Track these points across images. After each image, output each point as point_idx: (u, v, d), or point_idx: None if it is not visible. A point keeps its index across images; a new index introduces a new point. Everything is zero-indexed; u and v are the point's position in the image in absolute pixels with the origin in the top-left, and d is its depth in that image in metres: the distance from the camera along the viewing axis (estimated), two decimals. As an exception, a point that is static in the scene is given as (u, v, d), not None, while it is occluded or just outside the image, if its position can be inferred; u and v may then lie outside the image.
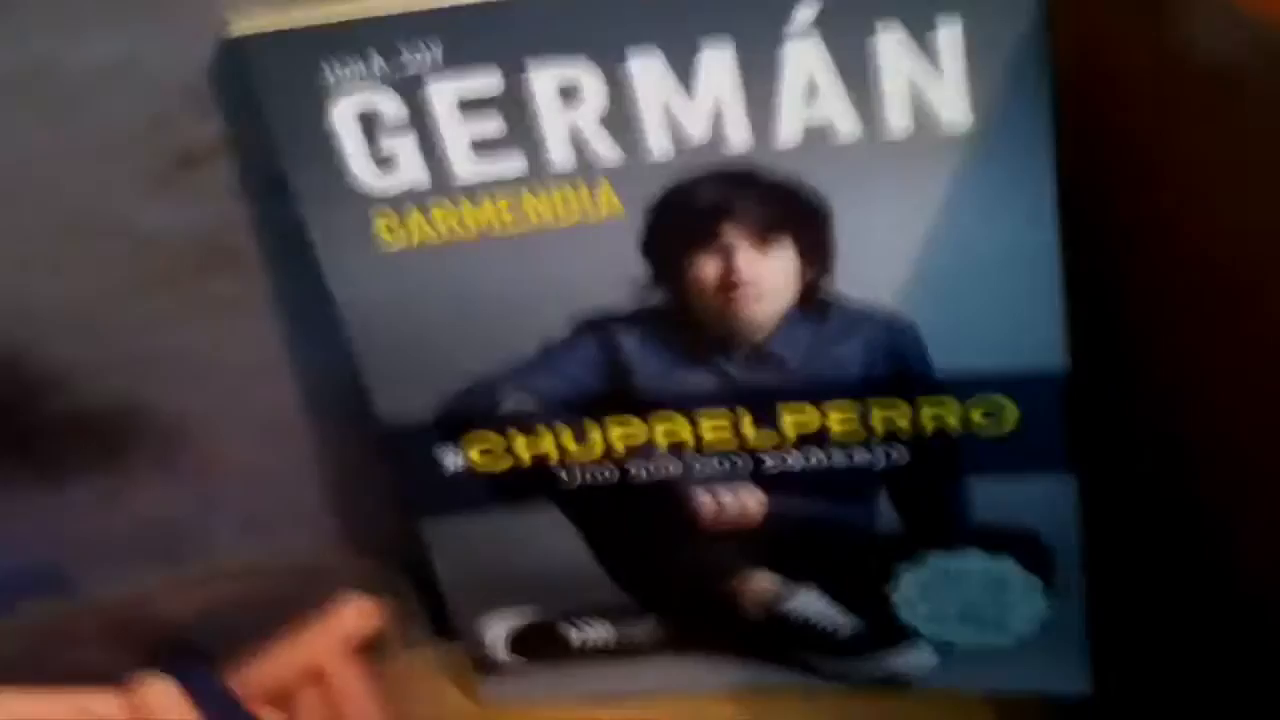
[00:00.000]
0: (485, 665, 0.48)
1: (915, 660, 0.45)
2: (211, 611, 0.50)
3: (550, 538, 0.45)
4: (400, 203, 0.38)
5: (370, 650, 0.48)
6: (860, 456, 0.41)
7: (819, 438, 0.41)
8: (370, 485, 0.47)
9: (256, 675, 0.49)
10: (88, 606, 0.49)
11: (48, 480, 0.47)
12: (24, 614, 0.49)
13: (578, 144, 0.36)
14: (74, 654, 0.50)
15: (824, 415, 0.40)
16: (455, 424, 0.42)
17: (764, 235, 0.37)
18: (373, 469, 0.46)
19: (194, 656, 0.49)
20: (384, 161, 0.37)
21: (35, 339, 0.42)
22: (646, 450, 0.42)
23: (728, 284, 0.38)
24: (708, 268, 0.38)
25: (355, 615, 0.48)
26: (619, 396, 0.41)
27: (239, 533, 0.50)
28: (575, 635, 0.47)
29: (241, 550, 0.49)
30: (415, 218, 0.38)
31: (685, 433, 0.41)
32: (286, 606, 0.49)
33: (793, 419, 0.40)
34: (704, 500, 0.43)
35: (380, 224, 0.38)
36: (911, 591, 0.43)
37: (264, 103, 0.37)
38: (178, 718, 0.48)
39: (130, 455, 0.46)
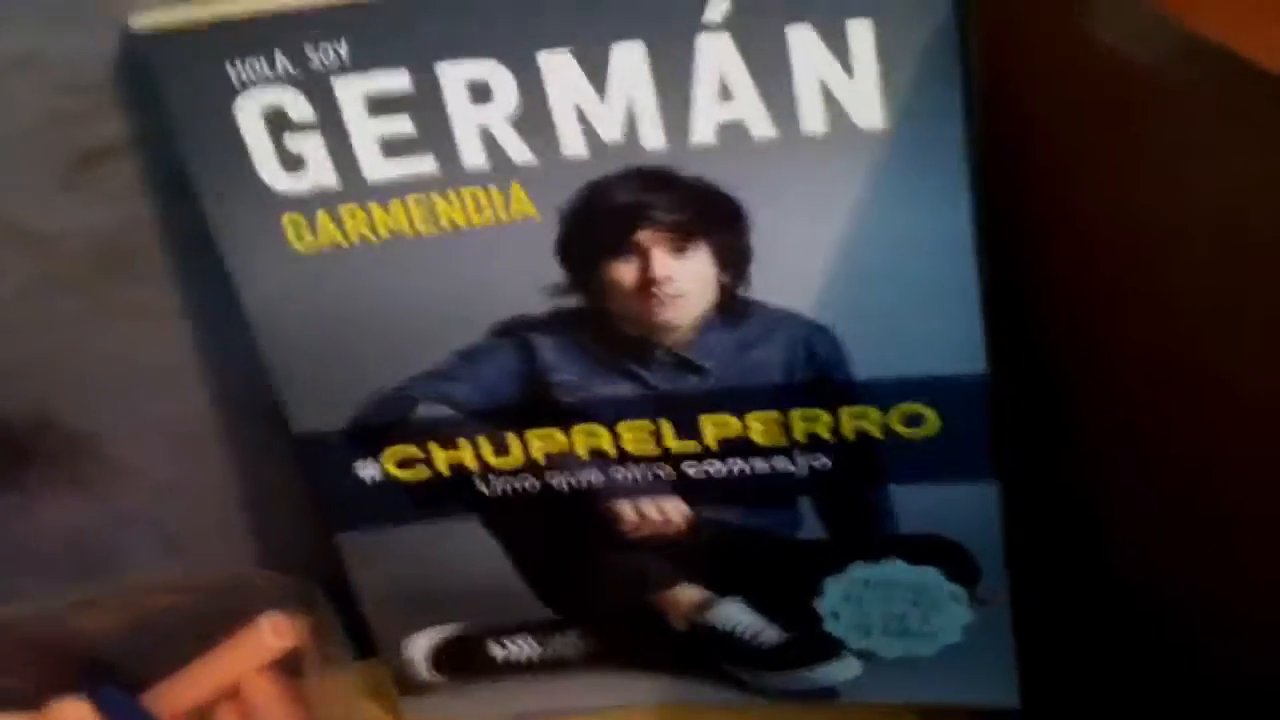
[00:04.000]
0: (407, 683, 0.47)
1: (841, 672, 0.44)
2: (126, 630, 0.48)
3: (471, 550, 0.44)
4: (308, 204, 0.37)
5: (289, 668, 0.47)
6: (782, 464, 0.40)
7: (740, 445, 0.40)
8: (287, 499, 0.46)
9: (174, 694, 0.48)
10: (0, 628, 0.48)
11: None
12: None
13: (489, 144, 0.36)
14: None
15: (744, 422, 0.39)
16: (370, 434, 0.41)
17: (680, 237, 0.36)
18: (289, 482, 0.45)
19: (109, 676, 0.48)
20: (291, 162, 0.36)
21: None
22: (566, 459, 0.41)
23: (644, 286, 0.37)
24: (624, 270, 0.37)
25: (273, 632, 0.47)
26: (537, 404, 0.40)
27: (153, 549, 0.48)
28: (499, 651, 0.46)
29: (156, 567, 0.48)
30: (324, 220, 0.37)
31: (605, 441, 0.41)
32: (203, 624, 0.48)
33: (713, 426, 0.40)
34: (625, 510, 0.42)
35: (288, 226, 0.37)
36: (836, 602, 0.43)
37: (167, 101, 0.36)
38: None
39: (35, 467, 0.45)
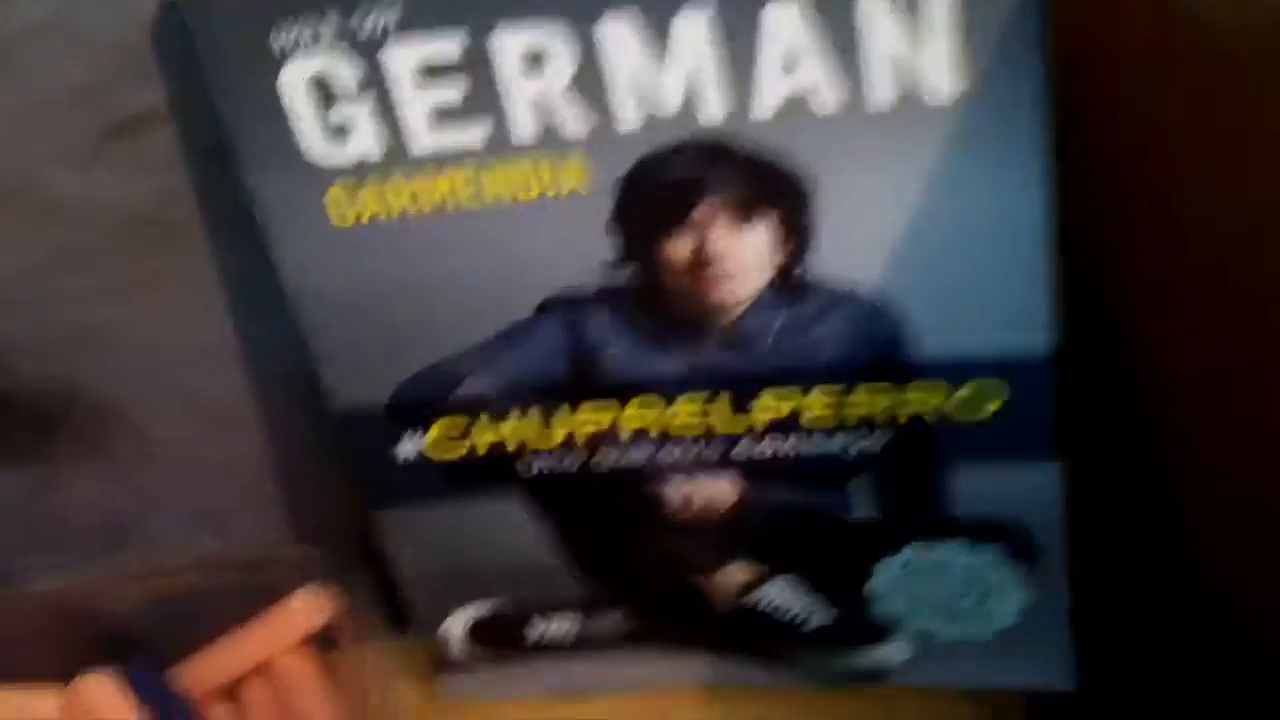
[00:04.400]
0: (444, 660, 0.46)
1: (891, 655, 0.43)
2: (155, 606, 0.47)
3: (511, 529, 0.43)
4: (354, 175, 0.36)
5: (323, 645, 0.46)
6: (836, 443, 0.39)
7: (793, 424, 0.39)
8: (322, 474, 0.45)
9: (204, 672, 0.47)
10: (24, 601, 0.47)
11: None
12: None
13: (543, 113, 0.34)
14: (10, 651, 0.47)
15: (799, 400, 0.38)
16: (411, 411, 0.40)
17: (739, 211, 0.35)
18: (325, 457, 0.44)
19: (137, 653, 0.47)
20: (337, 131, 0.35)
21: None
22: (612, 437, 0.40)
23: (700, 262, 0.36)
24: (679, 245, 0.36)
25: (306, 609, 0.46)
26: (583, 381, 0.39)
27: (184, 524, 0.47)
28: (538, 629, 0.45)
29: (186, 542, 0.47)
30: (370, 191, 0.36)
31: (653, 420, 0.39)
32: (234, 601, 0.47)
33: (766, 404, 0.38)
34: (671, 492, 0.41)
35: (331, 198, 0.36)
36: (889, 583, 0.42)
37: (208, 67, 0.35)
38: (119, 716, 0.45)
39: (64, 441, 0.44)
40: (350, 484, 0.43)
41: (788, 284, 0.36)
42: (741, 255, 0.36)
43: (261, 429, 0.45)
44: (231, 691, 0.47)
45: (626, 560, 0.43)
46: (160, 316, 0.41)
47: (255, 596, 0.47)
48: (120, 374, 0.43)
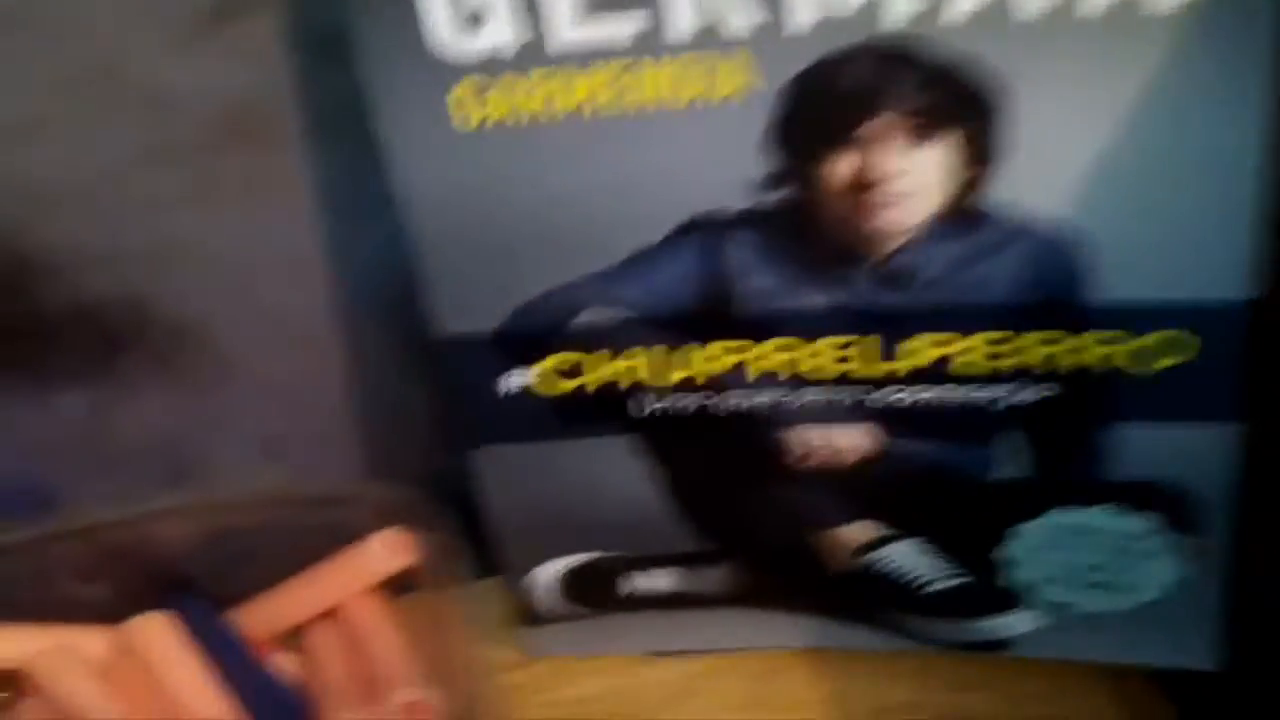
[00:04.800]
0: (530, 613, 0.43)
1: (1018, 625, 0.40)
2: (216, 544, 0.44)
3: (619, 474, 0.39)
4: (483, 71, 0.32)
5: (400, 592, 0.43)
6: (987, 394, 0.36)
7: (943, 371, 0.35)
8: (410, 407, 0.42)
9: (265, 613, 0.44)
10: (78, 533, 0.43)
11: (36, 385, 0.41)
12: (4, 538, 0.42)
13: (705, 8, 0.30)
14: (61, 587, 0.44)
15: (955, 345, 0.35)
16: (524, 340, 0.37)
17: (917, 127, 0.31)
18: (415, 388, 0.40)
19: (193, 594, 0.44)
20: (470, 19, 0.31)
21: (31, 216, 0.36)
22: (738, 379, 0.36)
23: (866, 184, 0.32)
24: (844, 163, 0.32)
25: (385, 552, 0.42)
26: (715, 315, 0.36)
27: (252, 456, 0.44)
28: (636, 583, 0.42)
29: (254, 476, 0.43)
30: (499, 90, 0.32)
31: (786, 360, 0.36)
32: (304, 541, 0.43)
33: (916, 348, 0.35)
34: (797, 439, 0.38)
35: (456, 97, 0.32)
36: (1025, 549, 0.38)
37: (325, -59, 0.31)
38: (175, 657, 0.42)
39: (131, 360, 0.40)
40: (442, 418, 0.39)
41: (960, 213, 0.32)
42: (914, 177, 0.32)
43: (347, 354, 0.41)
44: (296, 638, 0.44)
45: (738, 512, 0.40)
46: (247, 225, 0.37)
47: (328, 537, 0.43)
48: (199, 288, 0.39)
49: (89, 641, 0.43)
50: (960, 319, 0.34)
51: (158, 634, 0.42)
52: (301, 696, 0.42)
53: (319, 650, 0.43)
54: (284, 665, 0.43)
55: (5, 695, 0.44)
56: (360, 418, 0.43)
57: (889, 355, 0.35)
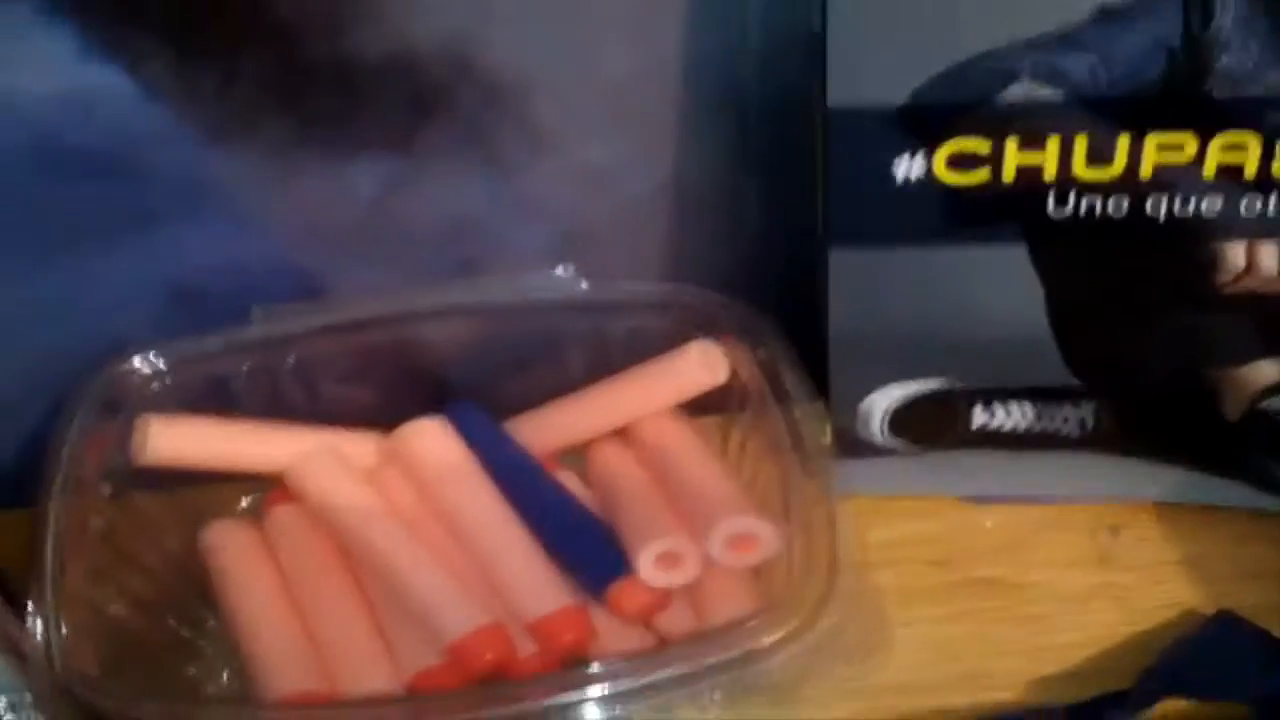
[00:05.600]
0: (855, 443, 0.38)
1: None
2: (502, 349, 0.39)
3: (997, 289, 0.34)
4: None
5: (712, 409, 0.38)
6: None
7: None
8: (742, 201, 0.36)
9: (555, 429, 0.39)
10: (345, 328, 0.38)
11: (331, 153, 0.35)
12: (266, 327, 0.38)
13: None
14: (325, 386, 0.39)
15: None
16: (931, 117, 0.31)
17: None
18: (750, 178, 0.35)
19: (472, 402, 0.39)
20: None
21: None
22: (1191, 176, 0.31)
23: None
24: None
25: (700, 364, 0.37)
26: (1177, 96, 0.30)
27: (549, 250, 0.39)
28: (983, 418, 0.37)
29: (547, 268, 0.38)
30: None
31: (1253, 156, 0.30)
32: (606, 350, 0.38)
33: None
34: (1234, 253, 0.32)
35: None
36: None
37: None
38: (451, 461, 0.37)
39: (436, 129, 0.35)
40: (786, 215, 0.34)
41: None
42: None
43: (678, 133, 0.36)
44: (588, 452, 0.39)
45: (1134, 341, 0.35)
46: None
47: (630, 347, 0.38)
48: (522, 44, 0.33)
49: (354, 446, 0.39)
50: None
51: (431, 438, 0.38)
52: (594, 516, 0.37)
53: (614, 472, 0.38)
54: (571, 485, 0.38)
55: (257, 496, 0.39)
56: (687, 206, 0.37)
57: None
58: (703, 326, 0.37)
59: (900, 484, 0.39)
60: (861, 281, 0.34)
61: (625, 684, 0.30)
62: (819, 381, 0.36)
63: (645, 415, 0.39)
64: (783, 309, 0.36)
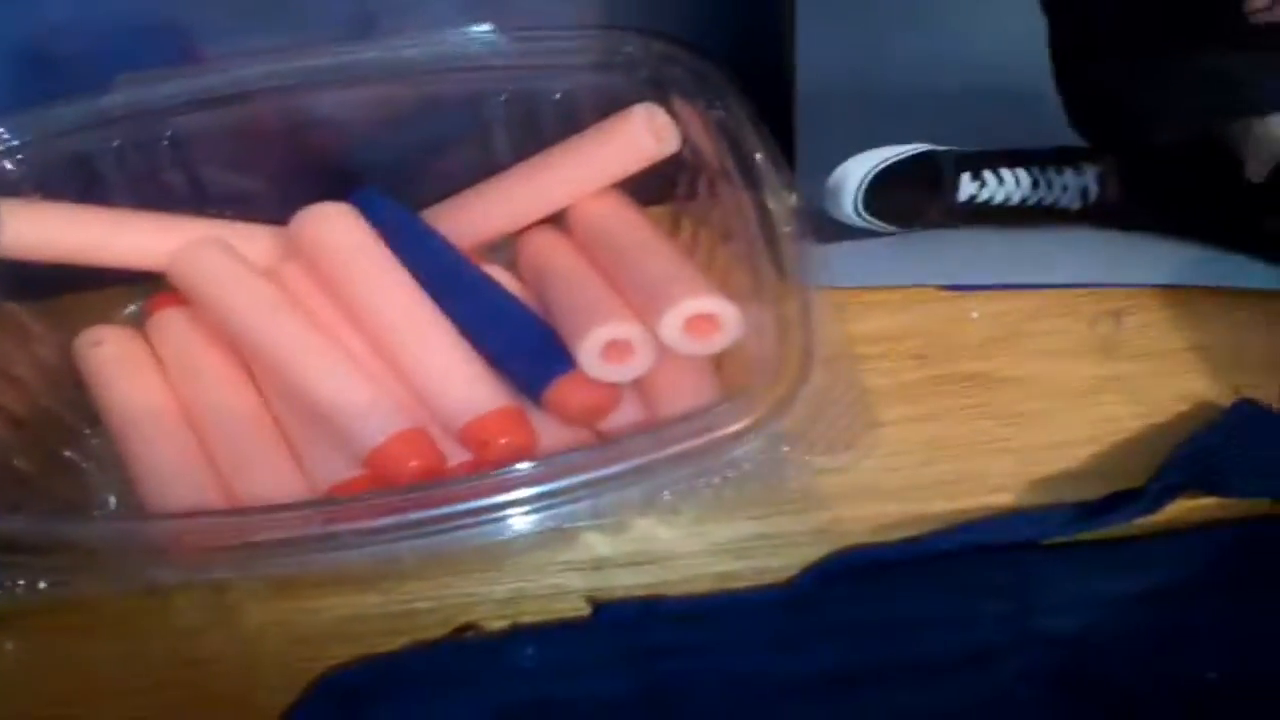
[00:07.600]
0: (826, 225, 0.33)
1: None
2: (408, 122, 0.34)
3: (991, 20, 0.29)
4: None
5: (662, 184, 0.33)
6: None
7: None
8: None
9: (480, 216, 0.34)
10: (225, 101, 0.32)
11: None
12: (129, 94, 0.32)
13: None
14: (207, 173, 0.34)
15: None
16: None
17: None
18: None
19: (379, 184, 0.34)
20: None
21: None
22: None
23: None
24: None
25: (644, 131, 0.32)
26: None
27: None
28: (970, 187, 0.33)
29: (463, 31, 0.33)
30: None
31: None
32: (534, 118, 0.33)
33: None
34: (1273, -29, 0.27)
35: None
36: None
37: None
38: (358, 245, 0.32)
39: None
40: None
41: None
42: None
43: None
44: (518, 242, 0.34)
45: (1148, 88, 0.30)
46: None
47: (565, 113, 0.33)
48: None
49: (246, 240, 0.33)
50: None
51: (335, 223, 0.32)
52: (529, 309, 0.32)
53: (549, 261, 0.33)
54: (500, 280, 0.33)
55: (141, 304, 0.34)
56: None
57: None
58: (648, 85, 0.32)
59: (876, 273, 0.34)
60: (834, 20, 0.29)
61: (563, 482, 0.26)
62: (784, 148, 0.31)
63: (583, 196, 0.33)
64: (741, 59, 0.30)
